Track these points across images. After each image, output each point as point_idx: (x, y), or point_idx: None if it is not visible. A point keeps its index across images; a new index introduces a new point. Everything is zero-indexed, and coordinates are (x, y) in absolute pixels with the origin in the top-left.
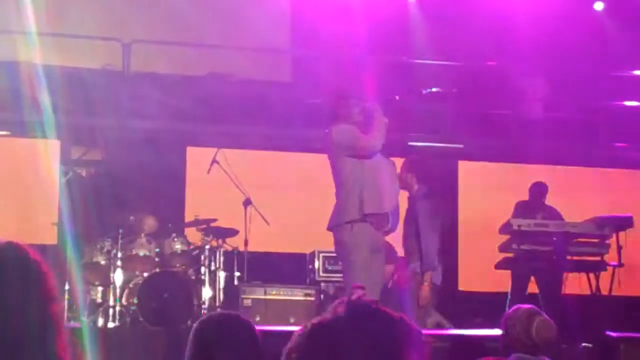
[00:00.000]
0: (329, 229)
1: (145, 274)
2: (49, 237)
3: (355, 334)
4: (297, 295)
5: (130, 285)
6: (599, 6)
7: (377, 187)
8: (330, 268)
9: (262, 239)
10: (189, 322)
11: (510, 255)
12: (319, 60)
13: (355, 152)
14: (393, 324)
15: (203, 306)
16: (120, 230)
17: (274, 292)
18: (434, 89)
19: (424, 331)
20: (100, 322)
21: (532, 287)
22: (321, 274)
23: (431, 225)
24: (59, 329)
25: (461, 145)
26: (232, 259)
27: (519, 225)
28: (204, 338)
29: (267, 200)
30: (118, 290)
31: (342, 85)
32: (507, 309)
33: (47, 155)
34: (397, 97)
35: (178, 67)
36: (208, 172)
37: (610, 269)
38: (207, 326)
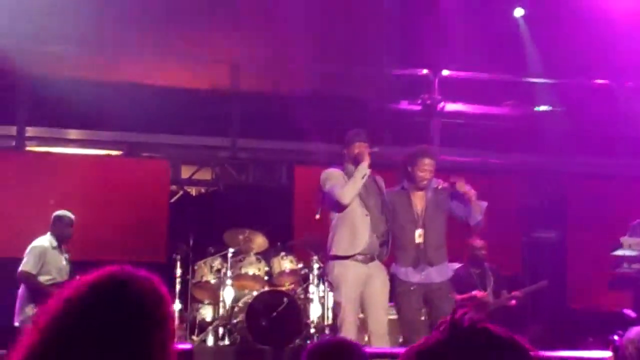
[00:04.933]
0: None
1: (255, 293)
2: (159, 256)
3: (459, 356)
4: None
5: (240, 304)
6: None
7: None
8: None
9: None
10: (296, 341)
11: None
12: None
13: None
14: (501, 345)
15: (311, 325)
16: (230, 249)
17: None
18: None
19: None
20: (210, 340)
21: None
22: None
23: None
24: None
25: (570, 164)
26: None
27: (629, 245)
28: None
29: None
30: (228, 309)
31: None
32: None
33: (157, 175)
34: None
35: (283, 86)
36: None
37: None
38: (320, 350)
